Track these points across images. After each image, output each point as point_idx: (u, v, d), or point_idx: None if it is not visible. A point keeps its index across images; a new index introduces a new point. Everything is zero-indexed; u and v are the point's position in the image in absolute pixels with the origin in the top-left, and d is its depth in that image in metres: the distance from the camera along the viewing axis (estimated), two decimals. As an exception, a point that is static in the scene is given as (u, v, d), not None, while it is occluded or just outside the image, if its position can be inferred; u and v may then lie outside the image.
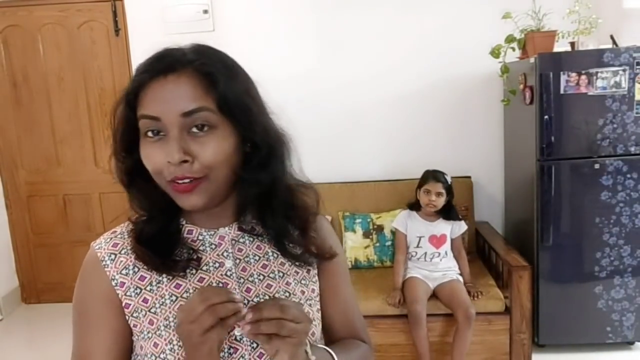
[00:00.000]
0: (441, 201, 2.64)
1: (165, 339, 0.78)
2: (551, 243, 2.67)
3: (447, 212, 2.69)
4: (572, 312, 2.71)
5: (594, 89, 2.55)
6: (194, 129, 0.76)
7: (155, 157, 0.77)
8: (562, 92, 2.57)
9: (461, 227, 2.72)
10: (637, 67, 2.52)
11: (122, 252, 0.81)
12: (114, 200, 3.72)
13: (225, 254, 0.84)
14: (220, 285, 0.82)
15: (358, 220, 3.04)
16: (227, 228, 0.86)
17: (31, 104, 3.66)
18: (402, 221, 2.74)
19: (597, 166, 2.62)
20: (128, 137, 0.81)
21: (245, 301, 0.82)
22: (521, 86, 2.75)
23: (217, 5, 3.34)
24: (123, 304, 0.80)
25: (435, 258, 2.64)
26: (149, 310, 0.79)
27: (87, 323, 0.82)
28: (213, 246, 0.84)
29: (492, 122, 3.27)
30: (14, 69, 3.62)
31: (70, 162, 3.71)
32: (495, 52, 2.71)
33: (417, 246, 2.67)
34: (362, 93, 3.31)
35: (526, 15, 2.65)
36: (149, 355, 0.78)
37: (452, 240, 2.69)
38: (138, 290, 0.80)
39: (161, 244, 0.80)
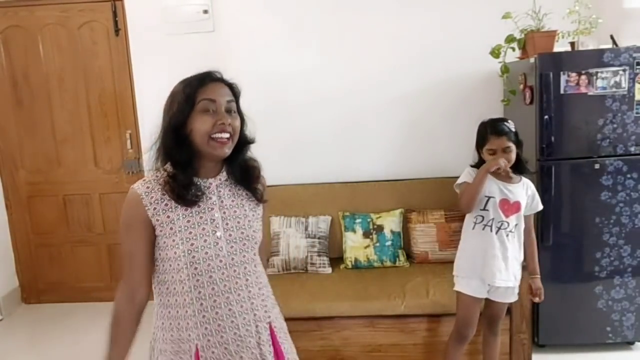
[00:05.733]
0: (511, 157, 2.14)
1: (182, 234, 1.31)
2: (551, 243, 2.67)
3: (517, 166, 2.19)
4: (572, 312, 2.71)
5: (594, 89, 2.55)
6: (229, 112, 1.34)
7: (208, 121, 1.30)
8: (562, 92, 2.57)
9: (537, 204, 2.26)
10: (637, 67, 2.53)
11: (152, 191, 1.32)
12: (114, 200, 3.72)
13: (211, 194, 1.36)
14: (214, 216, 1.35)
15: (358, 220, 3.04)
16: (213, 179, 1.38)
17: (32, 104, 3.67)
18: (470, 175, 2.23)
19: (597, 166, 2.62)
20: (184, 115, 1.31)
21: (226, 221, 1.36)
22: (521, 86, 2.75)
23: (217, 5, 3.34)
24: (153, 222, 1.31)
25: (502, 230, 2.18)
26: (171, 222, 1.31)
27: (133, 234, 1.31)
28: (208, 188, 1.37)
29: (492, 122, 3.27)
30: (15, 69, 3.62)
31: (70, 162, 3.72)
32: (495, 52, 2.72)
33: (484, 209, 2.20)
34: (362, 93, 3.31)
35: (526, 15, 2.66)
36: (169, 253, 1.31)
37: (524, 217, 2.24)
38: (163, 212, 1.31)
39: (185, 188, 1.31)
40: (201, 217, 1.33)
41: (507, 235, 2.19)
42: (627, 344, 2.79)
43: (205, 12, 3.34)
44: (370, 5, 3.24)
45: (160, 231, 1.31)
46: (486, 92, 3.22)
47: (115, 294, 1.34)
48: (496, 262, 2.19)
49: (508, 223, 2.18)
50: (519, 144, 2.18)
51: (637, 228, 2.65)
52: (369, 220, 3.03)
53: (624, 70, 2.53)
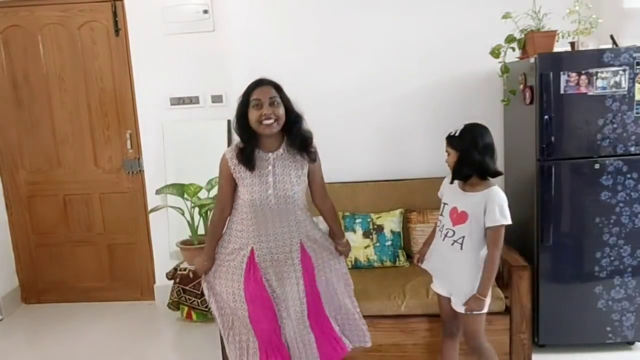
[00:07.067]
0: (451, 161, 2.18)
1: (248, 188, 2.02)
2: (551, 243, 2.67)
3: (458, 172, 2.16)
4: (572, 312, 2.71)
5: (594, 89, 2.55)
6: (273, 104, 1.98)
7: (256, 113, 1.97)
8: (562, 92, 2.57)
9: (492, 219, 2.09)
10: (637, 67, 2.53)
11: (234, 157, 2.04)
12: (114, 200, 3.73)
13: (268, 164, 2.04)
14: (268, 180, 2.03)
15: (358, 220, 3.04)
16: (272, 153, 2.05)
17: (32, 104, 3.67)
18: (443, 185, 2.34)
19: (597, 166, 2.62)
20: (244, 110, 2.01)
21: (276, 184, 2.03)
22: (521, 86, 2.75)
23: (217, 5, 3.34)
24: (234, 175, 2.04)
25: (448, 238, 2.20)
26: (242, 179, 2.03)
27: (224, 180, 2.08)
28: (267, 160, 2.04)
29: (492, 122, 3.23)
30: (15, 69, 3.63)
31: (70, 162, 3.72)
32: (495, 52, 2.72)
33: (441, 214, 2.28)
34: (362, 93, 3.31)
35: (526, 15, 2.66)
36: (242, 196, 2.05)
37: (487, 231, 2.13)
38: (239, 171, 2.03)
39: (249, 156, 2.01)
40: (260, 179, 2.02)
41: (453, 244, 2.18)
42: (627, 344, 2.79)
43: (205, 12, 3.35)
44: (370, 6, 3.24)
45: (237, 182, 2.06)
46: (486, 92, 3.23)
47: (212, 213, 2.22)
48: (441, 267, 2.28)
49: (454, 232, 2.18)
50: (461, 148, 2.13)
51: (637, 228, 2.65)
52: (369, 220, 3.03)
53: (624, 70, 2.53)
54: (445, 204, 2.26)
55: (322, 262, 2.21)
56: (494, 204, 2.09)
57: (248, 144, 2.01)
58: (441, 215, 2.27)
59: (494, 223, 2.09)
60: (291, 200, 2.05)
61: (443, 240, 2.23)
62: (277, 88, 2.03)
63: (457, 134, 2.17)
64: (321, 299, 2.20)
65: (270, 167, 2.02)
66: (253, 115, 1.97)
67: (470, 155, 2.12)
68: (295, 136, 2.05)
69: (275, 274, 2.10)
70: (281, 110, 1.99)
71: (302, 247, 2.14)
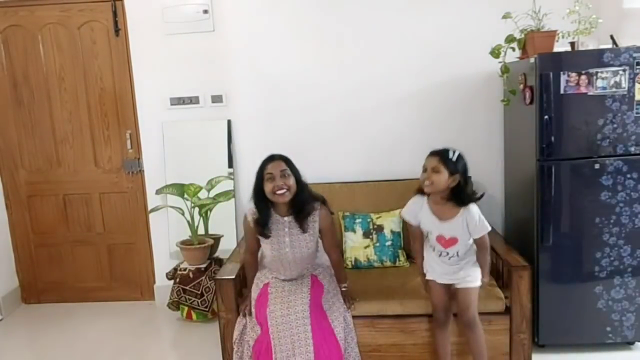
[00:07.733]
0: (439, 180, 2.23)
1: (268, 246, 2.42)
2: (551, 243, 2.67)
3: (457, 197, 2.28)
4: (572, 312, 2.71)
5: (594, 89, 2.55)
6: (284, 176, 2.32)
7: (269, 185, 2.31)
8: (562, 92, 2.57)
9: (481, 229, 2.29)
10: (637, 67, 2.52)
11: (253, 220, 2.41)
12: (114, 200, 3.72)
13: (284, 227, 2.39)
14: (285, 240, 2.40)
15: (358, 220, 3.04)
16: (287, 217, 2.39)
17: (32, 104, 3.67)
18: (412, 210, 2.42)
19: (597, 166, 2.62)
20: (259, 184, 2.34)
21: (292, 243, 2.40)
22: (521, 86, 2.75)
23: (217, 5, 3.34)
24: (257, 235, 2.43)
25: (443, 256, 2.37)
26: (264, 239, 2.42)
27: (248, 235, 2.48)
28: (282, 223, 2.39)
29: (492, 122, 3.27)
30: (15, 69, 3.62)
31: (70, 162, 3.71)
32: (495, 52, 2.72)
33: (427, 237, 2.43)
34: (362, 93, 3.32)
35: (526, 15, 2.66)
36: (265, 253, 2.48)
37: (475, 240, 2.34)
38: (259, 232, 2.40)
39: (264, 223, 2.38)
40: (278, 239, 2.39)
41: (450, 259, 2.38)
42: (627, 344, 2.79)
43: (205, 12, 3.35)
44: (370, 7, 3.24)
45: (261, 241, 2.44)
46: (486, 92, 3.23)
47: (242, 256, 2.66)
48: (443, 270, 2.41)
49: (448, 252, 2.37)
50: (457, 172, 2.26)
51: (637, 228, 2.64)
52: (369, 220, 3.03)
53: (624, 70, 2.53)
54: (428, 231, 2.39)
55: (333, 288, 2.51)
56: (474, 220, 2.28)
57: (263, 214, 2.36)
58: (427, 238, 2.43)
59: (479, 235, 2.30)
60: (306, 254, 2.43)
61: (439, 257, 2.40)
62: (287, 161, 2.36)
63: (454, 158, 2.29)
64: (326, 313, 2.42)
65: (286, 229, 2.39)
66: (267, 187, 2.30)
67: (468, 180, 2.34)
68: (296, 205, 2.36)
69: (282, 304, 2.34)
70: (292, 181, 2.32)
71: (314, 278, 2.47)
